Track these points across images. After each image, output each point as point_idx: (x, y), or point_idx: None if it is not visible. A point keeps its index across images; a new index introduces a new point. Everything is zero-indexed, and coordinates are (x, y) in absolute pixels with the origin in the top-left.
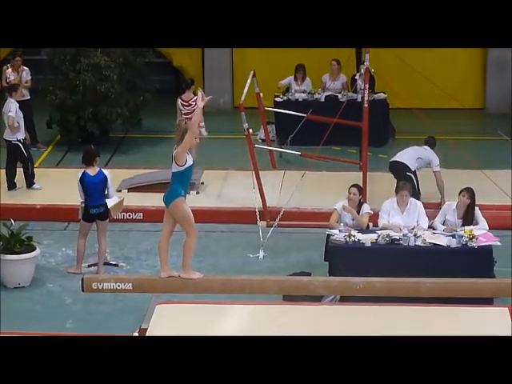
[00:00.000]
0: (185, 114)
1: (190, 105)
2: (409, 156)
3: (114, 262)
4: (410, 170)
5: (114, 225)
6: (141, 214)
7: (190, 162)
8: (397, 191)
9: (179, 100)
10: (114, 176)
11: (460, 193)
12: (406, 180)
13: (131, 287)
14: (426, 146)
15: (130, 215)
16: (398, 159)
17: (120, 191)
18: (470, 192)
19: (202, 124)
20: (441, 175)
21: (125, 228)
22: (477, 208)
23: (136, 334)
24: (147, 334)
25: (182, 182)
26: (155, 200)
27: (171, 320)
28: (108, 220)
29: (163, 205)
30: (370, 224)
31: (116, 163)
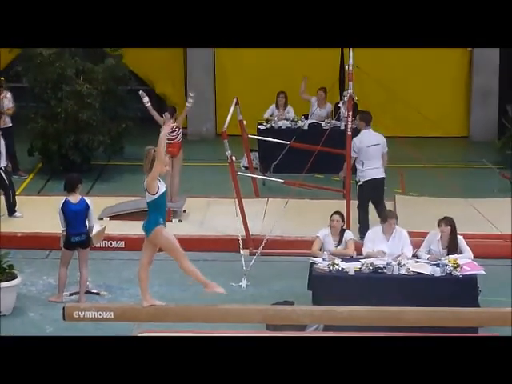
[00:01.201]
0: (168, 139)
1: (174, 131)
2: (380, 166)
3: (95, 291)
4: (383, 179)
5: (96, 253)
6: (123, 242)
7: (162, 189)
8: (385, 219)
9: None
10: (96, 204)
11: (438, 224)
12: (382, 192)
13: (113, 316)
14: (373, 132)
15: (111, 243)
16: (377, 176)
17: (102, 219)
18: (448, 221)
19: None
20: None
21: (106, 256)
22: (461, 237)
23: None
24: None
25: (159, 210)
26: (137, 228)
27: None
28: (89, 248)
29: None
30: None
31: (98, 191)
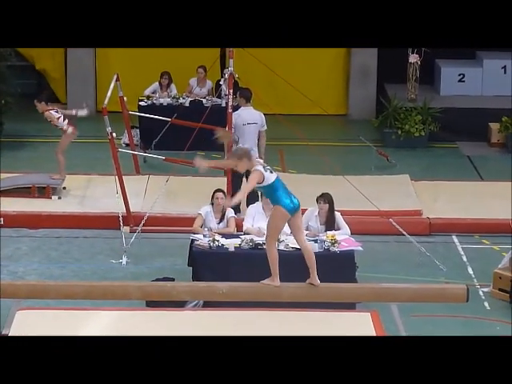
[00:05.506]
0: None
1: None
2: (254, 146)
3: None
4: None
5: None
6: (1, 219)
7: (269, 179)
8: (260, 197)
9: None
10: None
11: (317, 201)
12: None
13: None
14: (252, 110)
15: None
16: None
17: None
18: (326, 197)
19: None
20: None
21: None
22: (338, 213)
23: None
24: None
25: (276, 192)
26: (16, 205)
27: (32, 326)
28: None
29: (24, 209)
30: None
31: None
